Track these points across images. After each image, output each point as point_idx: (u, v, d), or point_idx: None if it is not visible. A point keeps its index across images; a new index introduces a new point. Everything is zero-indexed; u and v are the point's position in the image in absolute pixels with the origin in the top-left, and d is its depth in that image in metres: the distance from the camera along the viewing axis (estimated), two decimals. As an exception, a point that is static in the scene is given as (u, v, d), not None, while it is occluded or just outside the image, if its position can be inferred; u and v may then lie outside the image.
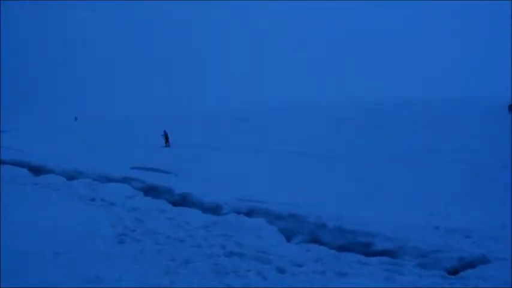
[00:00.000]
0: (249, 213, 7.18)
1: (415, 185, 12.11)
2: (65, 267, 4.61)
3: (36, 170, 12.28)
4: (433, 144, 22.91)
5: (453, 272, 4.73)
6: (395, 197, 10.58)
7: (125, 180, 10.26)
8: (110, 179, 10.54)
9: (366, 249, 5.44)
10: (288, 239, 6.12)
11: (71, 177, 11.04)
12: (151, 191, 9.32)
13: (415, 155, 19.53)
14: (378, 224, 6.23)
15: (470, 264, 4.81)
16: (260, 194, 8.91)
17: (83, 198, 8.48)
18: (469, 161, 15.87)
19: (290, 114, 49.52)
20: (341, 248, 5.56)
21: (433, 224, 6.68)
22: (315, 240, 5.94)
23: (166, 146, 26.69)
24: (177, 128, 34.41)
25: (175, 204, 8.21)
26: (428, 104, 46.14)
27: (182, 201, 8.35)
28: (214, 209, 7.58)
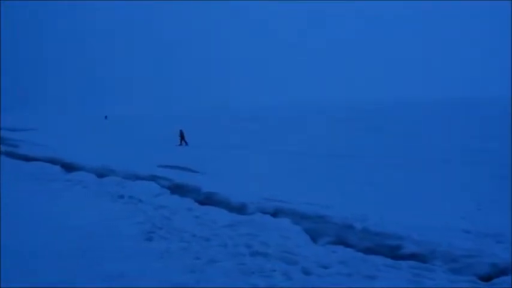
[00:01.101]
0: (275, 213, 7.15)
1: (441, 187, 11.79)
2: (92, 262, 4.71)
3: (68, 167, 12.66)
4: (450, 145, 22.39)
5: (486, 278, 4.57)
6: (421, 199, 10.33)
7: (153, 178, 10.43)
8: (138, 177, 10.73)
9: (394, 253, 5.32)
10: (314, 240, 6.06)
11: (101, 174, 11.31)
12: (178, 190, 9.43)
13: (433, 156, 19.11)
14: (406, 226, 6.09)
15: (504, 271, 4.63)
16: (284, 194, 8.86)
17: (112, 195, 8.68)
18: (489, 162, 15.39)
19: (301, 114, 49.24)
20: (368, 251, 5.45)
21: (463, 228, 6.47)
22: (341, 241, 5.85)
23: (181, 145, 27.21)
24: (191, 127, 34.85)
25: (201, 203, 8.27)
26: (441, 104, 45.03)
27: (208, 200, 8.40)
28: (240, 209, 7.60)
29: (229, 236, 5.86)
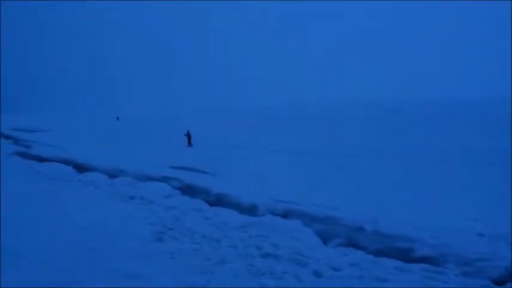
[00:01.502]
0: (285, 215, 7.14)
1: (454, 188, 11.63)
2: (104, 262, 4.75)
3: (81, 168, 12.79)
4: (459, 144, 22.20)
5: (499, 282, 4.50)
6: (433, 200, 10.20)
7: (163, 179, 10.48)
8: (149, 178, 10.79)
9: (406, 255, 5.27)
10: (325, 242, 6.04)
11: (112, 175, 11.40)
12: (188, 191, 9.47)
13: (447, 156, 18.91)
14: (417, 229, 6.03)
15: (518, 274, 4.56)
16: (294, 195, 8.84)
17: (123, 196, 8.74)
18: (500, 163, 15.16)
19: (312, 114, 49.14)
20: (379, 253, 5.41)
21: (476, 231, 6.38)
22: (352, 244, 5.83)
23: (189, 146, 27.65)
24: (200, 127, 35.10)
25: (211, 204, 8.30)
26: (456, 104, 44.56)
27: (219, 201, 8.42)
28: (250, 210, 7.60)
29: (240, 237, 5.87)
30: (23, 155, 16.40)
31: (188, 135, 28.21)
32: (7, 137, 30.40)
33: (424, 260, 5.11)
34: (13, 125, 54.77)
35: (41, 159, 14.96)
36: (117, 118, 74.14)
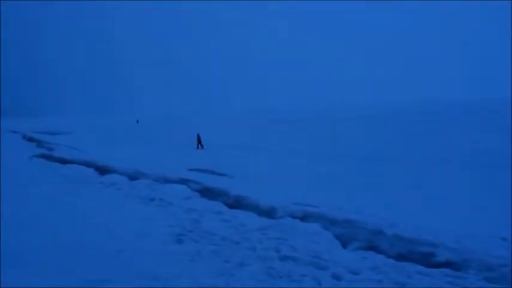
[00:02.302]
0: (304, 218, 7.13)
1: (475, 191, 11.43)
2: (125, 263, 4.83)
3: (102, 170, 13.02)
4: (484, 148, 21.73)
5: (524, 288, 4.40)
6: (454, 204, 10.05)
7: (182, 181, 10.57)
8: (168, 180, 10.91)
9: (427, 260, 5.20)
10: (344, 245, 6.01)
11: (132, 177, 11.57)
12: (207, 193, 9.53)
13: (469, 157, 18.57)
14: (438, 233, 5.95)
15: (544, 281, 4.45)
16: (312, 198, 8.83)
17: (143, 198, 8.88)
18: None
19: (329, 115, 48.87)
20: (400, 257, 5.35)
21: (500, 235, 6.26)
22: (372, 247, 5.78)
23: (198, 148, 28.13)
24: (211, 128, 35.39)
25: (230, 206, 8.34)
26: (484, 105, 43.61)
27: (237, 203, 8.46)
28: (269, 213, 7.61)
29: (259, 239, 5.89)
30: (46, 157, 16.78)
31: (198, 138, 28.77)
32: (30, 139, 31.17)
33: (446, 264, 5.04)
34: (35, 127, 56.24)
35: (63, 161, 15.29)
36: (137, 121, 75.69)
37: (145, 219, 7.01)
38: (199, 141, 28.82)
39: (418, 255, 5.36)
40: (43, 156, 17.14)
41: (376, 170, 16.33)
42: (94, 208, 7.83)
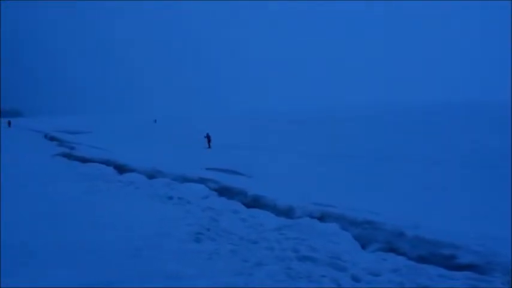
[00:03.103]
0: (322, 218, 7.06)
1: (497, 193, 11.16)
2: (144, 262, 4.86)
3: (121, 169, 13.19)
4: (486, 147, 21.29)
5: (551, 293, 4.26)
6: (476, 205, 9.84)
7: (200, 180, 10.62)
8: (185, 179, 10.97)
9: (449, 262, 5.09)
10: (363, 247, 5.93)
11: (151, 176, 11.68)
12: (225, 192, 9.55)
13: (468, 157, 18.18)
14: (461, 234, 5.81)
15: None
16: (329, 198, 8.76)
17: (162, 196, 8.94)
18: None
19: (331, 116, 48.53)
20: (421, 260, 5.25)
21: (525, 238, 6.08)
22: (392, 249, 5.68)
23: (209, 147, 28.47)
24: (233, 129, 35.53)
25: (248, 205, 8.33)
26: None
27: (255, 202, 8.45)
28: (287, 212, 7.57)
29: (277, 239, 5.86)
30: (67, 156, 17.09)
31: (208, 137, 29.08)
32: (52, 139, 31.79)
33: (469, 267, 4.91)
34: (55, 126, 57.39)
35: (84, 160, 15.55)
36: (155, 121, 76.62)
37: (164, 217, 7.05)
38: (208, 141, 29.18)
39: (440, 257, 5.24)
40: (64, 155, 17.46)
41: (384, 171, 16.15)
42: (112, 206, 7.92)
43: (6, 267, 4.48)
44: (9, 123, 61.41)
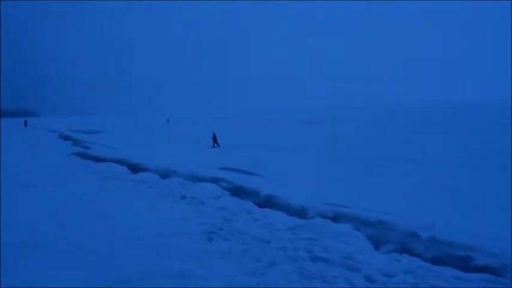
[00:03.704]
0: (335, 218, 7.03)
1: (504, 193, 10.95)
2: (156, 261, 4.90)
3: (134, 168, 13.31)
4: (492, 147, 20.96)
5: None
6: (492, 207, 9.67)
7: (213, 180, 10.67)
8: (198, 179, 11.03)
9: (464, 264, 5.02)
10: (376, 247, 5.89)
11: (164, 175, 11.77)
12: (237, 192, 9.57)
13: (495, 157, 17.89)
14: (476, 236, 5.72)
15: None
16: (342, 198, 8.71)
17: (175, 196, 9.00)
18: None
19: (339, 116, 48.29)
20: (435, 261, 5.19)
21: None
22: (406, 250, 5.63)
23: (214, 147, 28.76)
24: (242, 129, 35.63)
25: (260, 205, 8.34)
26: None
27: (267, 202, 8.45)
28: (300, 212, 7.55)
29: (290, 239, 5.86)
30: (82, 155, 17.32)
31: (214, 137, 29.38)
32: (67, 138, 32.24)
33: (484, 269, 4.84)
34: (69, 126, 58.19)
35: (98, 159, 15.74)
36: (168, 120, 77.38)
37: (177, 217, 7.10)
38: (215, 140, 29.52)
39: (455, 258, 5.18)
40: (79, 154, 17.69)
41: (393, 171, 15.99)
42: (126, 205, 7.99)
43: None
44: (25, 122, 62.72)
